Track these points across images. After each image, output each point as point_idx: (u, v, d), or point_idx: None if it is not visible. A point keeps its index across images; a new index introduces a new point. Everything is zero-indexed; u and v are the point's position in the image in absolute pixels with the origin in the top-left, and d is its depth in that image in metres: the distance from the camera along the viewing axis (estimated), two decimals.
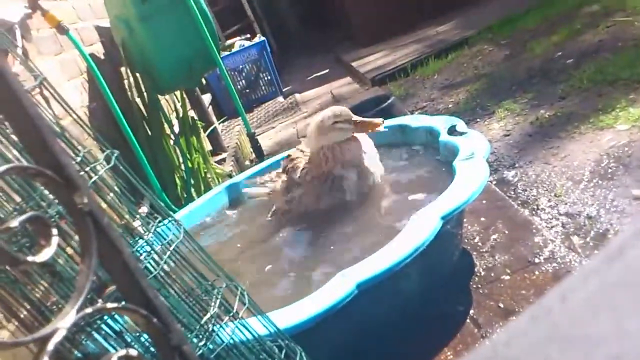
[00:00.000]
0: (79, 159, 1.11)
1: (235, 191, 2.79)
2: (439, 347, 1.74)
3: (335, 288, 1.46)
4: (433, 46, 5.99)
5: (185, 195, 3.42)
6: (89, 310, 0.62)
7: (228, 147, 4.74)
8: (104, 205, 1.11)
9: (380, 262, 1.51)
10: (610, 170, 2.43)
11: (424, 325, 1.81)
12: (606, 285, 0.31)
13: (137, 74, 3.55)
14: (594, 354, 0.27)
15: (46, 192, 1.03)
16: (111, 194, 1.16)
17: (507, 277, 1.94)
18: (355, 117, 2.22)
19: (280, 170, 2.46)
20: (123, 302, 0.71)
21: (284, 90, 7.59)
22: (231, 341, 1.12)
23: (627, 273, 0.31)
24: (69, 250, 1.05)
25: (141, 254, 1.12)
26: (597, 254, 0.33)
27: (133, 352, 0.70)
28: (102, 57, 3.56)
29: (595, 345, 0.27)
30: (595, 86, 3.32)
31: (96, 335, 1.02)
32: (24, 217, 0.56)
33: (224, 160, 4.39)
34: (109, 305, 0.73)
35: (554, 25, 4.94)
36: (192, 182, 3.48)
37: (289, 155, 2.44)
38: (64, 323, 0.56)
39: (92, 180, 1.09)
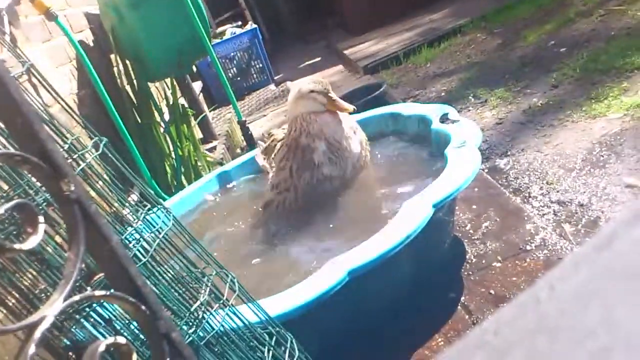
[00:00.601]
0: (66, 146, 1.10)
1: (226, 179, 2.78)
2: (430, 333, 1.74)
3: (327, 275, 1.46)
4: (426, 34, 5.97)
5: (175, 183, 3.40)
6: (76, 298, 0.62)
7: (219, 135, 4.72)
8: (93, 194, 1.10)
9: (372, 249, 1.51)
10: (602, 158, 2.43)
11: (415, 312, 1.81)
12: (595, 275, 0.31)
13: (127, 61, 3.52)
14: (583, 344, 0.27)
15: (34, 179, 1.02)
16: (100, 182, 1.15)
17: (499, 264, 1.95)
18: (332, 94, 2.21)
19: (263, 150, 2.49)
20: (111, 290, 0.71)
21: (275, 78, 7.55)
22: (221, 328, 1.12)
23: (617, 262, 0.31)
24: (58, 238, 1.04)
25: (130, 242, 1.11)
26: (586, 243, 0.32)
27: (121, 340, 0.69)
28: (92, 44, 3.53)
29: (583, 336, 0.27)
30: (588, 75, 3.33)
31: (85, 323, 1.02)
32: (10, 204, 0.55)
33: (214, 148, 4.37)
34: (97, 293, 0.72)
35: (548, 14, 4.94)
36: (183, 170, 3.46)
37: (270, 133, 2.46)
38: (51, 311, 0.55)
39: (80, 167, 1.08)
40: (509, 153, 2.85)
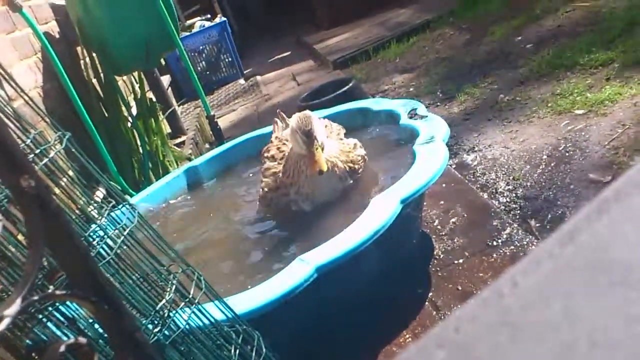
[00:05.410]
0: (28, 141, 1.07)
1: (194, 175, 2.75)
2: (398, 329, 1.75)
3: (294, 272, 1.45)
4: (395, 29, 5.99)
5: (143, 179, 3.36)
6: (35, 297, 0.60)
7: (188, 129, 4.67)
8: (57, 191, 1.07)
9: (340, 246, 1.50)
10: (567, 154, 2.47)
11: (383, 308, 1.81)
12: (558, 269, 0.31)
13: (93, 54, 3.46)
14: (545, 340, 0.27)
15: None
16: (64, 179, 1.12)
17: (466, 260, 1.96)
18: (316, 143, 1.92)
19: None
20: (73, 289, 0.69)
21: (245, 72, 7.52)
22: (187, 327, 1.11)
23: (579, 256, 0.31)
24: (22, 236, 1.02)
25: (94, 239, 1.09)
26: (549, 238, 0.32)
27: (82, 340, 0.68)
28: (57, 36, 3.46)
29: (545, 331, 0.27)
30: (554, 71, 3.37)
31: (49, 323, 0.99)
32: None
33: (183, 143, 4.33)
34: (57, 292, 0.70)
35: (515, 10, 4.98)
36: (150, 165, 3.42)
37: (268, 149, 2.29)
38: (9, 311, 0.54)
39: (43, 162, 1.05)
40: (476, 149, 2.88)
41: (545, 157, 2.53)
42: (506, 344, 0.28)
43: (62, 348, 0.64)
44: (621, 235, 0.31)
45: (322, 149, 1.94)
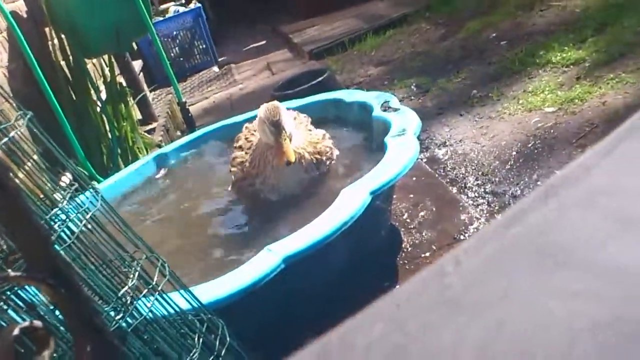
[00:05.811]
0: None
1: (164, 162, 2.71)
2: None
3: (261, 262, 1.44)
4: (372, 22, 5.98)
5: (111, 165, 3.30)
6: None
7: (159, 116, 4.61)
8: (20, 175, 1.05)
9: (308, 236, 1.49)
10: (536, 151, 2.49)
11: (349, 301, 1.80)
12: (501, 250, 0.31)
13: (62, 35, 3.38)
14: (479, 318, 0.27)
15: None
16: (29, 162, 1.09)
17: (433, 254, 1.97)
18: (284, 133, 1.90)
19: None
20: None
21: (219, 60, 7.44)
22: (150, 315, 1.09)
23: (524, 238, 0.31)
24: None
25: (55, 223, 1.06)
26: (496, 219, 0.33)
27: (37, 323, 0.66)
28: (24, 15, 3.37)
29: (481, 310, 0.28)
30: (526, 68, 3.40)
31: (9, 309, 0.97)
32: None
33: (153, 130, 4.27)
34: (12, 274, 0.68)
35: (491, 7, 5.01)
36: (119, 151, 3.36)
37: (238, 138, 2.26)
38: None
39: (2, 142, 1.02)
40: (447, 143, 2.89)
41: (514, 153, 2.55)
42: (440, 320, 0.28)
43: (17, 331, 0.62)
44: (566, 219, 0.32)
45: (290, 140, 1.93)
